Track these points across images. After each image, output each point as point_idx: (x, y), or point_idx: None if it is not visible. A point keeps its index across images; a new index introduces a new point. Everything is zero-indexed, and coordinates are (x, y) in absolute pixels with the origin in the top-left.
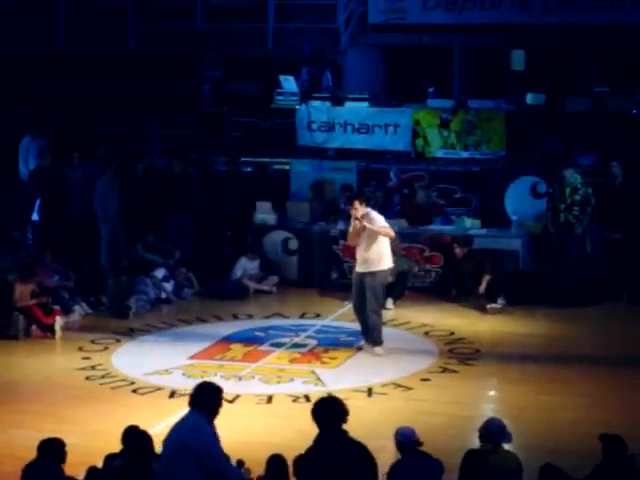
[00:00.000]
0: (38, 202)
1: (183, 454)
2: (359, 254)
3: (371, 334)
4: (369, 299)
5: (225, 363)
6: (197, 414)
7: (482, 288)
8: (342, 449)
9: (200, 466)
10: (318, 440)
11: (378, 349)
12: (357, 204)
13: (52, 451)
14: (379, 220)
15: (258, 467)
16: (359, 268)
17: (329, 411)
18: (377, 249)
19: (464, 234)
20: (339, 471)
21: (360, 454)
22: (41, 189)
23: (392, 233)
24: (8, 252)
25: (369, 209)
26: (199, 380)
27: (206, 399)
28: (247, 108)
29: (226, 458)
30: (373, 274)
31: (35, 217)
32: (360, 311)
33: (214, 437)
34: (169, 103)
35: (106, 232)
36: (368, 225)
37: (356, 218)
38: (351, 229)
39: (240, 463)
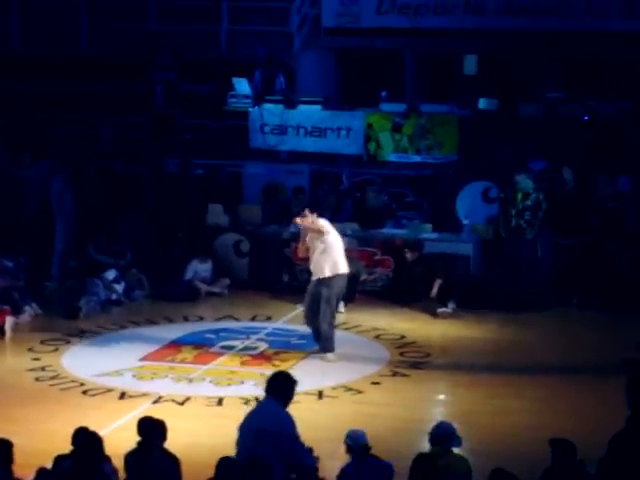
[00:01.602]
0: None
1: (261, 439)
2: (312, 264)
3: (322, 343)
4: (323, 309)
5: (176, 365)
6: (273, 401)
7: (434, 292)
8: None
9: (277, 450)
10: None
11: (330, 355)
12: (307, 211)
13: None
14: (319, 222)
15: (208, 470)
16: (313, 276)
17: (282, 386)
18: (328, 256)
19: (415, 238)
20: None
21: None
22: None
23: (323, 231)
24: None
25: (320, 218)
26: (149, 382)
27: (281, 387)
28: (200, 110)
29: (301, 443)
30: (323, 282)
31: None
32: (311, 319)
33: (290, 422)
34: (121, 104)
35: (61, 230)
36: (299, 220)
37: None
38: (300, 244)
39: (310, 450)
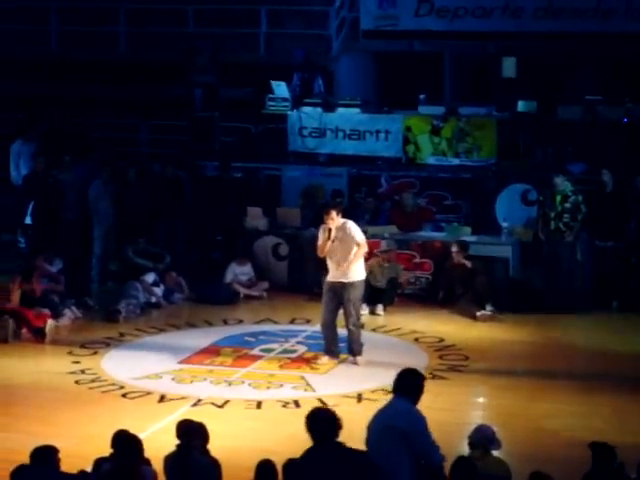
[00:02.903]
0: (31, 205)
1: (391, 437)
2: (333, 264)
3: (353, 346)
4: (350, 312)
5: (215, 368)
6: (402, 399)
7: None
8: (335, 460)
9: (408, 447)
10: (311, 450)
11: (359, 358)
12: (334, 214)
13: (46, 458)
14: (356, 233)
15: (247, 472)
16: (335, 278)
17: (323, 425)
18: (359, 260)
19: (461, 239)
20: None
21: (356, 464)
22: (34, 193)
23: (366, 248)
24: None
25: (346, 219)
26: (189, 385)
27: (409, 384)
28: (239, 113)
29: (432, 440)
30: (354, 285)
31: (28, 220)
32: (330, 326)
33: (421, 419)
34: (160, 107)
35: (98, 235)
36: (331, 225)
37: (330, 229)
38: (321, 240)
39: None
